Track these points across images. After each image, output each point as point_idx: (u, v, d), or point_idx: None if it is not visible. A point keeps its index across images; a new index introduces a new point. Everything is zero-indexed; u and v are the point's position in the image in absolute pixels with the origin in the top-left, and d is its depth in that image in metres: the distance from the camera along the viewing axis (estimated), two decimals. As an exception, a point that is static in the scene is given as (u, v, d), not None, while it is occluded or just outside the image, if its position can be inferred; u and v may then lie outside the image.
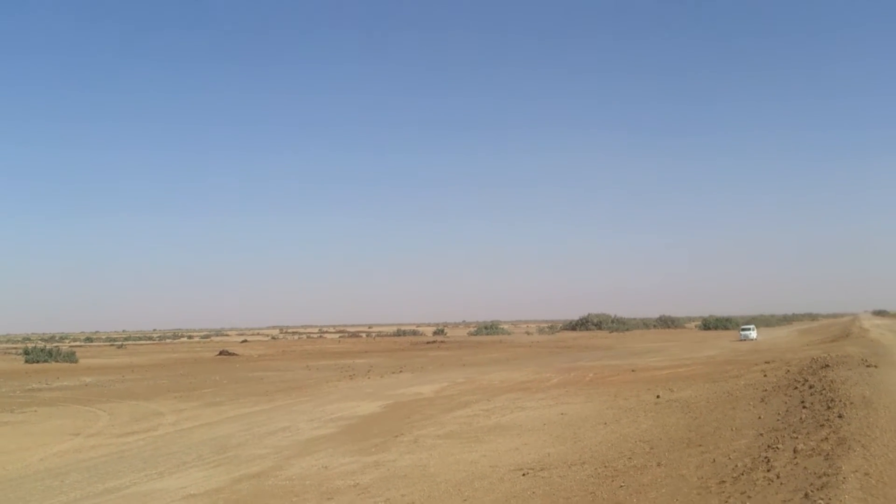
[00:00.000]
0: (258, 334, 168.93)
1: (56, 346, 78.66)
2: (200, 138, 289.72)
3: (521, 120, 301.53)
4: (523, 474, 14.01)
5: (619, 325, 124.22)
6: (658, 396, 24.26)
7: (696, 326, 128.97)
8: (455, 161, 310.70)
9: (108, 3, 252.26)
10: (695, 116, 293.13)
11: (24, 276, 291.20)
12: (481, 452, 16.77)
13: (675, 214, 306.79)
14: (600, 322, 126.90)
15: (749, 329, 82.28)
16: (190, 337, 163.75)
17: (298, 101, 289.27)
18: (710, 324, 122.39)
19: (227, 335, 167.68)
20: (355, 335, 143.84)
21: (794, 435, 13.63)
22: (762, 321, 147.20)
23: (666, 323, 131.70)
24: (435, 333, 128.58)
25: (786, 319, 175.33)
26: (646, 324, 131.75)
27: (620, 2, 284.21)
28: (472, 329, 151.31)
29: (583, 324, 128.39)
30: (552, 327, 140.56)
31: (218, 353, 77.59)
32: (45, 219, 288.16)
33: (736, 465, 12.29)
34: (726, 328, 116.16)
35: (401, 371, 45.17)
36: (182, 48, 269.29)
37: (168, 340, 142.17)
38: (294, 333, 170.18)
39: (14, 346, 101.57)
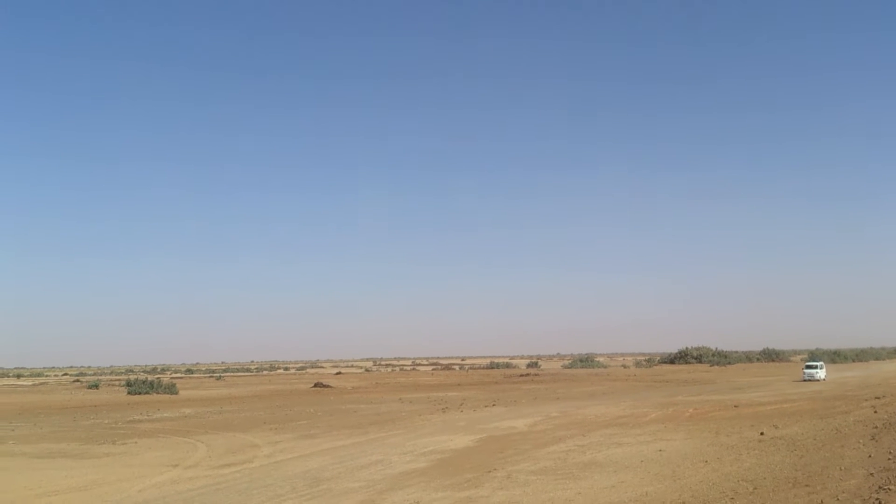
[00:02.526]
0: (352, 366, 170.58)
1: (157, 378, 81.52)
2: (298, 180, 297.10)
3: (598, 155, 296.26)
4: (619, 514, 13.58)
5: (720, 358, 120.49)
6: (762, 433, 23.37)
7: (801, 360, 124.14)
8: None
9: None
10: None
11: (128, 309, 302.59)
12: (576, 490, 16.39)
13: (776, 241, 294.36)
14: (700, 355, 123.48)
15: (815, 367, 65.77)
16: (286, 368, 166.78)
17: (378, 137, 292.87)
18: (817, 357, 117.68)
19: (321, 367, 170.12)
20: (448, 368, 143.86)
21: (909, 476, 12.85)
22: (871, 354, 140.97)
23: (770, 356, 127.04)
24: (529, 366, 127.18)
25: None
26: (749, 357, 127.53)
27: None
28: (566, 362, 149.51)
29: (682, 357, 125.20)
30: (650, 360, 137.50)
31: (313, 385, 78.93)
32: (150, 255, 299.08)
33: (847, 509, 11.60)
34: (834, 362, 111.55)
35: (494, 404, 44.83)
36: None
37: (265, 372, 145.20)
38: (387, 366, 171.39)
39: (118, 377, 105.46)
